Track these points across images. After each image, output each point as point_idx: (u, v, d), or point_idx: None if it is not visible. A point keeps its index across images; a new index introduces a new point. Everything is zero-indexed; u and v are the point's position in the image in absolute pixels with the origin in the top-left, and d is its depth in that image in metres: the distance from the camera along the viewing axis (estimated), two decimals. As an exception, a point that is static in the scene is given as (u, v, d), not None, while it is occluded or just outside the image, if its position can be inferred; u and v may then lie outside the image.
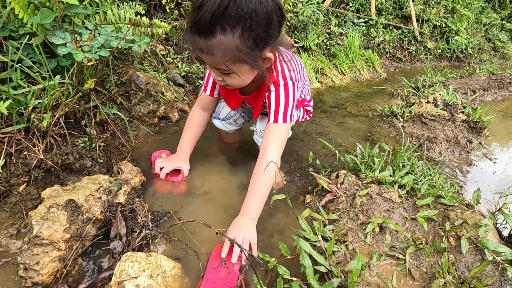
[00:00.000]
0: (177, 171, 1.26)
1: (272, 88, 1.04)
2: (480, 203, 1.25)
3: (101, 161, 1.22)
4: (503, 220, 1.07)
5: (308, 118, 1.47)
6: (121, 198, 1.04)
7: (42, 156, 1.04)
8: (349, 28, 3.37)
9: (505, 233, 1.08)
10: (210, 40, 0.79)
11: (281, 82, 1.03)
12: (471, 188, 1.46)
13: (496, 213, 1.09)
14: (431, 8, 4.04)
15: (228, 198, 1.21)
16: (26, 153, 1.02)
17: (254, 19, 0.76)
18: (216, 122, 1.41)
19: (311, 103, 1.42)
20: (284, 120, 1.06)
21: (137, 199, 1.08)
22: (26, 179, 1.04)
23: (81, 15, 1.31)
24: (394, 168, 1.31)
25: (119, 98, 1.46)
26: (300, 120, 1.41)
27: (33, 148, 1.03)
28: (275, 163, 1.00)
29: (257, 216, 1.03)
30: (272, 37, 0.84)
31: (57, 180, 1.12)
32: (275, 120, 1.06)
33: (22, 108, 1.05)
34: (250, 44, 0.81)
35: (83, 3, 1.29)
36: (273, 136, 1.07)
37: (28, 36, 1.12)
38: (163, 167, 1.24)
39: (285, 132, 1.10)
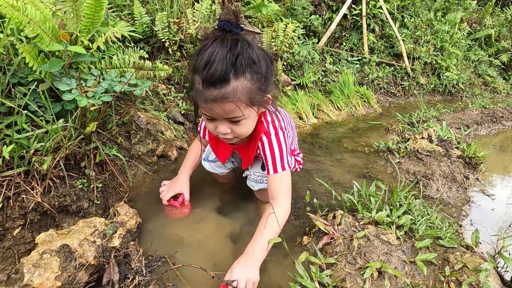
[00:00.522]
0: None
1: (264, 138, 1.08)
2: (480, 243, 1.24)
3: (98, 202, 1.23)
4: (504, 263, 1.05)
5: (298, 169, 1.47)
6: (116, 242, 1.03)
7: (39, 199, 1.04)
8: (343, 66, 3.53)
9: (507, 276, 1.05)
10: (225, 88, 0.84)
11: (272, 132, 1.08)
12: (470, 228, 1.44)
13: (496, 256, 1.08)
14: (421, 47, 4.26)
15: (223, 244, 1.20)
16: (24, 196, 1.03)
17: (259, 65, 0.85)
18: (206, 164, 1.41)
19: (301, 155, 1.46)
20: (283, 168, 1.10)
21: (132, 242, 1.07)
22: (22, 223, 1.04)
23: (87, 62, 1.39)
24: (391, 207, 1.31)
25: (120, 138, 1.50)
26: (291, 169, 1.43)
27: (31, 191, 1.04)
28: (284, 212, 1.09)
29: (262, 258, 1.01)
30: (272, 77, 0.93)
31: (52, 223, 1.12)
32: (275, 171, 1.09)
33: (24, 151, 1.08)
34: (259, 85, 0.89)
35: (90, 51, 1.37)
36: (278, 186, 1.10)
37: (36, 82, 1.18)
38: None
39: (288, 179, 1.12)
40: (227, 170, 1.42)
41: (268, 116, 1.09)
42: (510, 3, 5.82)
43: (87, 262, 0.95)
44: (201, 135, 1.29)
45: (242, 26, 0.85)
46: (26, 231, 1.05)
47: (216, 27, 0.85)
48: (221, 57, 0.80)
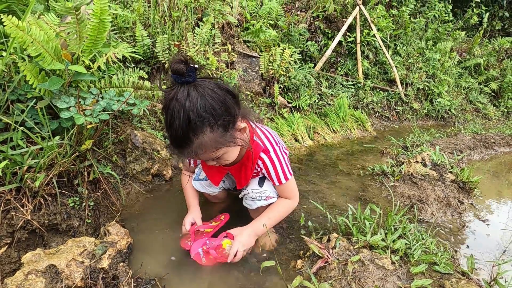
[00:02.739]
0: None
1: (264, 156, 1.12)
2: (476, 269, 1.22)
3: (89, 221, 1.20)
4: (501, 290, 1.03)
5: None
6: (105, 263, 1.00)
7: (29, 217, 1.02)
8: (338, 90, 3.61)
9: (505, 305, 1.03)
10: (191, 147, 0.89)
11: (270, 149, 1.13)
12: (466, 253, 1.43)
13: (492, 283, 1.06)
14: (413, 73, 4.40)
15: (215, 267, 1.17)
16: (13, 213, 1.01)
17: (214, 113, 0.87)
18: (196, 184, 1.36)
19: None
20: (286, 179, 1.18)
21: (121, 263, 1.04)
22: (9, 241, 1.01)
23: (87, 81, 1.42)
24: (386, 231, 1.30)
25: (115, 156, 1.49)
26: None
27: (21, 209, 1.03)
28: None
29: (260, 232, 1.17)
30: (235, 115, 0.94)
31: (40, 242, 1.09)
32: (280, 182, 1.18)
33: (17, 167, 1.07)
34: (221, 131, 0.91)
35: (91, 70, 1.40)
36: (287, 193, 1.23)
37: (35, 99, 1.19)
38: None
39: (293, 185, 1.24)
40: (219, 190, 1.42)
41: (260, 133, 1.13)
42: (497, 35, 6.11)
43: (74, 284, 0.91)
44: (191, 164, 1.32)
45: (196, 66, 0.86)
46: (12, 249, 1.02)
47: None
48: (177, 119, 0.85)
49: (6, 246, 1.01)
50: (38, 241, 1.08)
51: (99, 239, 1.10)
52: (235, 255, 1.09)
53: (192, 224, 1.24)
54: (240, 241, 1.12)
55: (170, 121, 0.87)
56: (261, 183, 1.23)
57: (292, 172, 1.21)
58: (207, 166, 1.24)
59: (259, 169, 1.18)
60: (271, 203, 1.23)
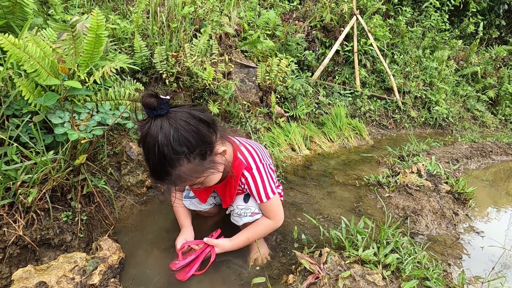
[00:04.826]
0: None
1: (247, 174, 1.12)
2: (469, 283, 1.22)
3: (81, 235, 1.21)
4: (492, 307, 1.03)
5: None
6: (95, 279, 1.00)
7: (21, 233, 1.03)
8: (336, 99, 3.64)
9: (496, 322, 1.03)
10: (170, 178, 0.91)
11: (253, 166, 1.13)
12: (459, 266, 1.43)
13: (483, 299, 1.06)
14: (411, 82, 4.43)
15: (209, 282, 1.17)
16: (6, 229, 1.02)
17: (188, 144, 0.88)
18: (187, 202, 1.35)
19: (280, 187, 1.46)
20: (268, 197, 1.16)
21: (112, 279, 1.05)
22: (0, 257, 1.02)
23: (83, 95, 1.44)
24: (379, 245, 1.30)
25: (110, 169, 1.51)
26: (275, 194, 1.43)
27: (14, 224, 1.04)
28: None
29: (236, 246, 1.22)
30: (211, 143, 0.95)
31: (32, 257, 1.10)
32: (261, 201, 1.18)
33: (11, 183, 1.08)
34: (198, 160, 0.92)
35: (86, 84, 1.42)
36: (269, 212, 1.22)
37: (30, 114, 1.21)
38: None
39: (277, 203, 1.23)
40: (209, 206, 1.40)
41: (244, 149, 1.14)
42: (494, 43, 6.16)
43: (64, 301, 0.92)
44: (175, 190, 1.31)
45: (167, 98, 0.85)
46: (3, 265, 1.02)
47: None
48: (152, 154, 0.86)
49: (-2, 262, 1.02)
50: (30, 256, 1.09)
51: (91, 254, 1.10)
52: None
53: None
54: (219, 246, 1.19)
55: (146, 155, 0.89)
56: (246, 199, 1.23)
57: (276, 192, 1.20)
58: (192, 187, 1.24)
59: (242, 186, 1.18)
60: (257, 219, 1.23)
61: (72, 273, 0.98)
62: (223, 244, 1.20)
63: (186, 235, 1.26)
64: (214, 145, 0.97)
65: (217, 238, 1.26)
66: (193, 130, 0.88)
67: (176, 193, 1.33)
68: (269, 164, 1.24)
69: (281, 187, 1.48)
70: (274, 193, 1.18)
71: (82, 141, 1.19)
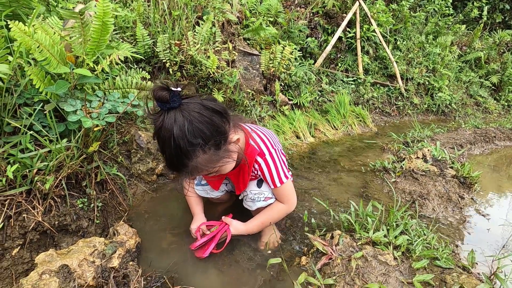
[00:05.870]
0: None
1: (260, 160, 1.13)
2: (477, 263, 1.25)
3: (97, 221, 1.23)
4: (500, 284, 1.06)
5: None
6: (115, 262, 1.03)
7: (40, 219, 1.05)
8: (339, 86, 3.62)
9: (504, 298, 1.06)
10: (187, 169, 0.92)
11: (266, 152, 1.14)
12: (466, 248, 1.46)
13: (492, 277, 1.09)
14: (413, 68, 4.40)
15: (223, 263, 1.20)
16: (25, 215, 1.04)
17: (203, 136, 0.88)
18: (199, 189, 1.35)
19: (290, 173, 1.45)
20: (281, 182, 1.18)
21: (131, 262, 1.07)
22: (21, 242, 1.04)
23: (92, 83, 1.43)
24: (388, 227, 1.32)
25: (120, 157, 1.52)
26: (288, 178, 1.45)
27: (33, 211, 1.05)
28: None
29: (250, 231, 1.25)
30: (225, 132, 0.96)
31: (51, 242, 1.12)
32: (275, 186, 1.18)
33: (27, 170, 1.10)
34: (214, 150, 0.93)
35: (95, 73, 1.42)
36: (283, 196, 1.23)
37: (41, 103, 1.21)
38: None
39: (290, 187, 1.24)
40: (221, 193, 1.42)
41: (256, 136, 1.14)
42: (497, 28, 6.09)
43: (86, 283, 0.94)
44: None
45: (179, 89, 0.85)
46: (25, 250, 1.04)
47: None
48: (168, 147, 0.87)
49: (19, 247, 1.04)
50: (49, 242, 1.11)
51: (108, 239, 1.13)
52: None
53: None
54: (233, 226, 1.22)
55: (162, 148, 0.90)
56: (259, 184, 1.25)
57: (289, 176, 1.21)
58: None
59: (256, 172, 1.19)
60: (270, 204, 1.25)
61: (92, 257, 1.00)
62: (238, 225, 1.23)
63: (199, 223, 1.28)
64: (228, 135, 0.97)
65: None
66: (207, 121, 0.89)
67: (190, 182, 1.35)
68: (280, 149, 1.24)
69: (290, 172, 1.49)
70: (287, 177, 1.19)
71: (95, 129, 1.20)
